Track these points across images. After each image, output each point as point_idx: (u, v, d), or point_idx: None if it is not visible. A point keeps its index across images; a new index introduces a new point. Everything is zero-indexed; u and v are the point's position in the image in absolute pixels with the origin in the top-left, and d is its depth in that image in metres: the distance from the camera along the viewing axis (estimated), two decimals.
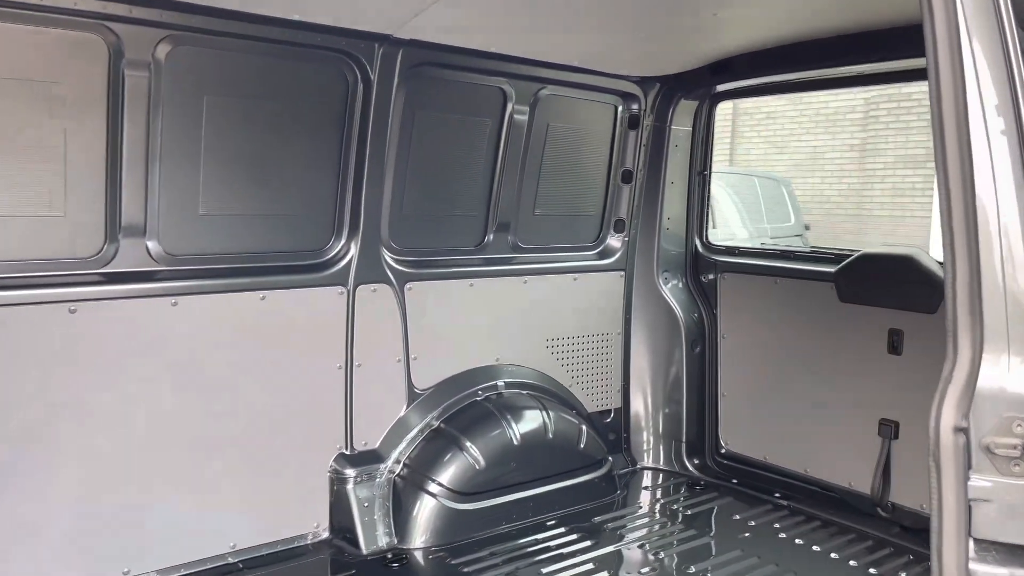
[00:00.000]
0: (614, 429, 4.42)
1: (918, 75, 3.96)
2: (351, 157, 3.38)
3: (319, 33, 3.11)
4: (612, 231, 4.35)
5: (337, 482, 3.49)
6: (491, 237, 3.94)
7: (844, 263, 3.83)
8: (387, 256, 3.58)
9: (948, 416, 1.41)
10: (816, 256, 4.08)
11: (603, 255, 4.36)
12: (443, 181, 3.74)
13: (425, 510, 3.52)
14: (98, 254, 2.92)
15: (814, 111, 16.46)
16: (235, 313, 3.19)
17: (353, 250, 3.46)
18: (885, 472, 3.69)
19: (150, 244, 3.02)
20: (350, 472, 3.48)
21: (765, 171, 14.73)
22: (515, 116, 3.81)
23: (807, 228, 14.32)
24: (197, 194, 3.08)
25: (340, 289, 3.44)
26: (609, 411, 4.40)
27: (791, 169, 16.30)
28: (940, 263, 3.63)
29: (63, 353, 2.83)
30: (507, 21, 3.22)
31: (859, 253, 3.84)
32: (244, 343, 3.22)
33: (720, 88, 4.17)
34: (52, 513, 2.85)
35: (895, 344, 3.66)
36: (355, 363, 3.50)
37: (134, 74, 2.82)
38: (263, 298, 3.24)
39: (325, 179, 3.38)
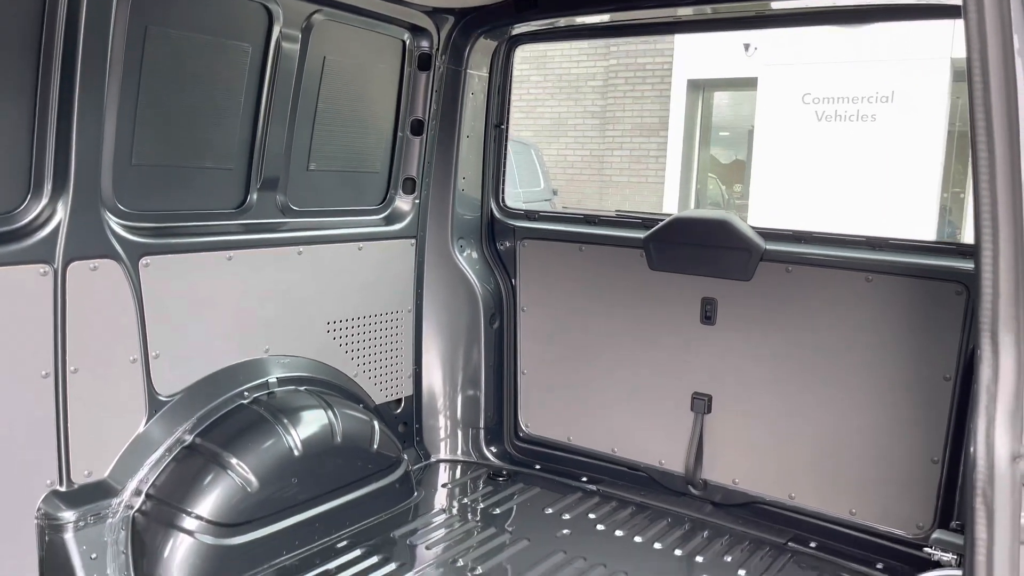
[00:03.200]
0: (405, 420, 3.84)
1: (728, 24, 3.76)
2: (52, 81, 2.41)
3: None
4: (401, 192, 3.71)
5: (49, 530, 2.55)
6: (254, 197, 3.12)
7: (655, 228, 3.55)
8: (111, 221, 2.65)
9: (1003, 442, 1.03)
10: (624, 221, 3.76)
11: (391, 220, 3.70)
12: (189, 123, 2.85)
13: (179, 551, 2.70)
14: None
15: (557, 77, 16.79)
16: None
17: (60, 213, 2.50)
18: (698, 448, 3.50)
19: None
20: (68, 515, 2.56)
21: (515, 136, 14.75)
22: (283, 44, 3.01)
23: (555, 193, 14.62)
24: None
25: (42, 268, 2.47)
26: (399, 400, 3.80)
27: (537, 135, 16.54)
28: (755, 228, 3.50)
29: None
30: None
31: (671, 217, 3.57)
32: None
33: (521, 29, 3.67)
34: None
35: (708, 314, 3.45)
36: (68, 368, 2.56)
37: None
38: None
39: (15, 113, 2.38)
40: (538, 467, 3.88)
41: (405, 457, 3.53)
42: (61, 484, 2.59)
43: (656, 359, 3.59)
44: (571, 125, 16.68)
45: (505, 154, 3.97)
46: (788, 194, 13.08)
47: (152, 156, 2.77)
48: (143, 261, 2.73)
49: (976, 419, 1.01)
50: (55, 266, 2.50)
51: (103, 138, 2.56)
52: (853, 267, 3.12)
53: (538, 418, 3.97)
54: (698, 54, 14.76)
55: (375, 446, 3.31)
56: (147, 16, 2.60)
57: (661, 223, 3.55)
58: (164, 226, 2.84)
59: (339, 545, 3.07)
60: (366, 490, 3.26)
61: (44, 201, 2.48)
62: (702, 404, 3.48)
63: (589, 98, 16.38)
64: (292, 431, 3.01)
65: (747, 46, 14.09)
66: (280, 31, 2.98)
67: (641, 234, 3.58)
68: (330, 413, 3.16)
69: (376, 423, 3.35)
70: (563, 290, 3.83)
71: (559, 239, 3.83)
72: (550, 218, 3.98)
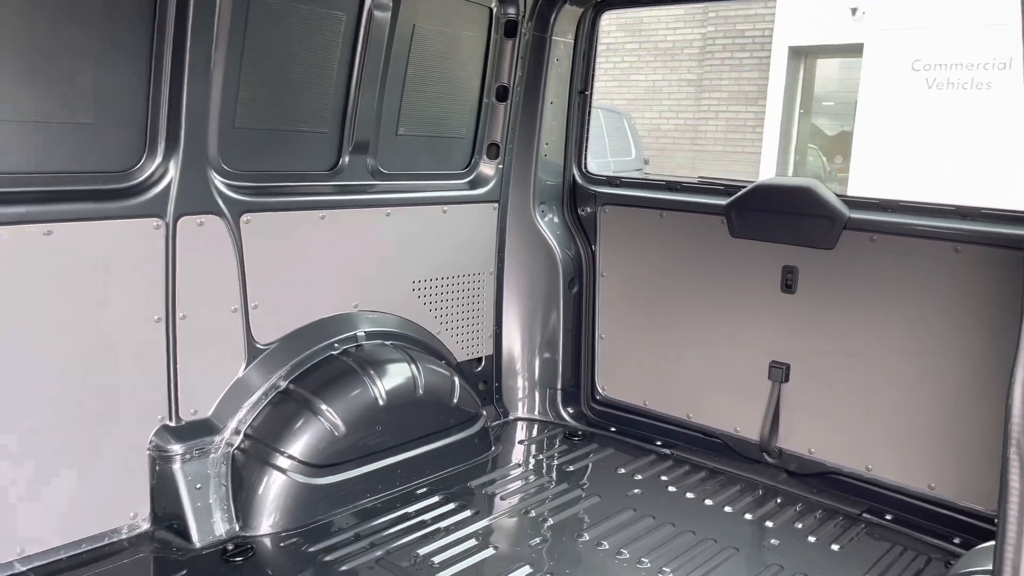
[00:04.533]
0: (485, 378, 3.98)
1: None
2: (165, 48, 2.61)
3: None
4: (485, 157, 3.82)
5: (160, 461, 2.81)
6: (347, 160, 3.29)
7: (737, 195, 3.54)
8: (216, 180, 2.86)
9: None
10: (705, 187, 3.76)
11: (475, 184, 3.82)
12: (288, 88, 3.03)
13: (273, 488, 2.93)
14: None
15: (652, 44, 16.50)
16: (11, 253, 2.39)
17: (172, 171, 2.72)
18: (774, 417, 3.51)
19: None
20: (176, 448, 2.81)
21: (608, 104, 14.62)
22: (375, 12, 3.14)
23: (646, 162, 14.46)
24: None
25: (156, 221, 2.70)
26: (480, 359, 3.94)
27: (630, 103, 16.33)
28: (840, 196, 3.45)
29: None
30: None
31: (754, 184, 3.55)
32: (26, 292, 2.44)
33: None
34: None
35: (789, 282, 3.43)
36: (178, 314, 2.80)
37: None
38: (49, 232, 2.46)
39: (132, 77, 2.60)
40: (613, 429, 3.96)
41: (484, 413, 3.67)
42: (171, 420, 2.85)
43: (734, 326, 3.60)
44: (666, 93, 16.39)
45: (588, 120, 4.02)
46: (892, 167, 12.53)
47: (253, 119, 2.96)
48: (244, 218, 2.94)
49: (1016, 370, 1.03)
50: (167, 220, 2.72)
51: (210, 102, 2.76)
52: (940, 236, 3.04)
53: (615, 382, 4.04)
54: (801, 20, 14.21)
55: (455, 400, 3.46)
56: None
57: (743, 190, 3.54)
58: (263, 185, 3.04)
59: (419, 491, 3.25)
60: (445, 442, 3.43)
61: (158, 160, 2.71)
62: (780, 372, 3.48)
63: (685, 65, 16.04)
64: (378, 382, 3.19)
65: (854, 10, 13.49)
66: (371, 0, 3.11)
67: (723, 201, 3.58)
68: (413, 367, 3.33)
69: (456, 379, 3.50)
70: (643, 256, 3.87)
71: (640, 205, 3.86)
72: (632, 184, 4.01)
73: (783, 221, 3.42)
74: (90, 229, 2.55)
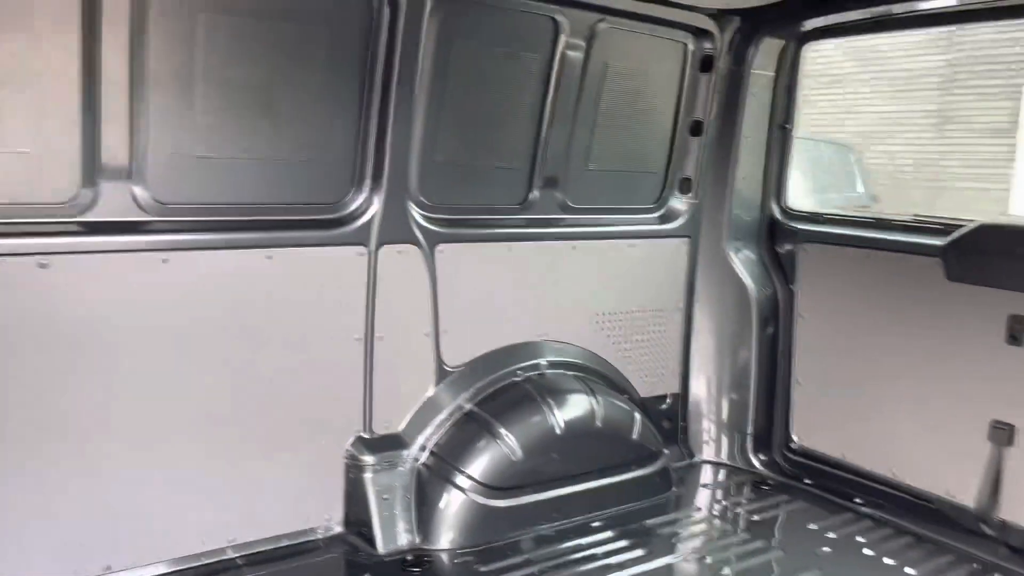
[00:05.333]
0: (670, 417, 3.90)
1: None
2: (374, 94, 2.88)
3: None
4: (676, 191, 3.79)
5: (353, 469, 3.05)
6: (536, 194, 3.42)
7: (956, 235, 3.21)
8: (415, 212, 3.09)
9: None
10: (919, 226, 3.46)
11: (665, 219, 3.80)
12: (482, 126, 3.21)
13: (452, 505, 3.07)
14: (74, 199, 2.48)
15: (888, 73, 15.41)
16: (237, 274, 2.74)
17: (376, 204, 2.98)
18: (995, 483, 3.12)
19: (136, 190, 2.57)
20: (368, 459, 3.04)
21: (831, 138, 13.83)
22: (568, 52, 3.25)
23: (875, 199, 13.46)
24: (193, 132, 2.62)
25: (360, 249, 2.97)
26: (665, 396, 3.88)
27: (858, 136, 15.33)
28: None
29: (31, 316, 2.41)
30: None
31: (976, 224, 3.21)
32: (247, 309, 2.78)
33: (812, 25, 3.54)
34: (23, 498, 2.45)
35: (1015, 334, 3.05)
36: (376, 335, 3.04)
37: None
38: (270, 257, 2.79)
39: (344, 119, 2.89)
40: (807, 482, 3.71)
41: (666, 452, 3.60)
42: (365, 432, 3.08)
43: (949, 379, 3.26)
44: (900, 126, 15.20)
45: (789, 154, 3.85)
46: None
47: (450, 156, 3.17)
48: (438, 247, 3.14)
49: None
50: (370, 248, 2.98)
51: (412, 140, 3.00)
52: None
53: (811, 431, 3.79)
54: None
55: (634, 436, 3.43)
56: (451, 32, 2.98)
57: (964, 229, 3.21)
58: (457, 217, 3.23)
59: (594, 524, 3.24)
60: (623, 477, 3.40)
61: (364, 194, 2.98)
62: (1003, 434, 3.09)
63: (924, 95, 14.79)
64: (556, 411, 3.25)
65: None
66: (566, 41, 3.23)
67: (939, 241, 3.27)
68: (593, 399, 3.35)
69: (637, 414, 3.47)
70: (847, 298, 3.62)
71: (845, 244, 3.62)
72: (836, 221, 3.78)
73: (1011, 265, 3.06)
74: (304, 255, 2.86)
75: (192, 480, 2.74)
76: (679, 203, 3.79)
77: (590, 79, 3.36)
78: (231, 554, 2.84)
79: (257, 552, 2.89)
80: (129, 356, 2.58)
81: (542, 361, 3.44)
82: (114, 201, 2.53)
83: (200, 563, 2.78)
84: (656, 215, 3.78)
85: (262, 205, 2.80)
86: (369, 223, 2.97)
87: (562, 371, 3.48)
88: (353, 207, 2.97)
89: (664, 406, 3.88)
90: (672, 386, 3.89)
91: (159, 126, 2.55)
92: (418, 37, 2.86)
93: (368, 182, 2.97)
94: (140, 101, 2.49)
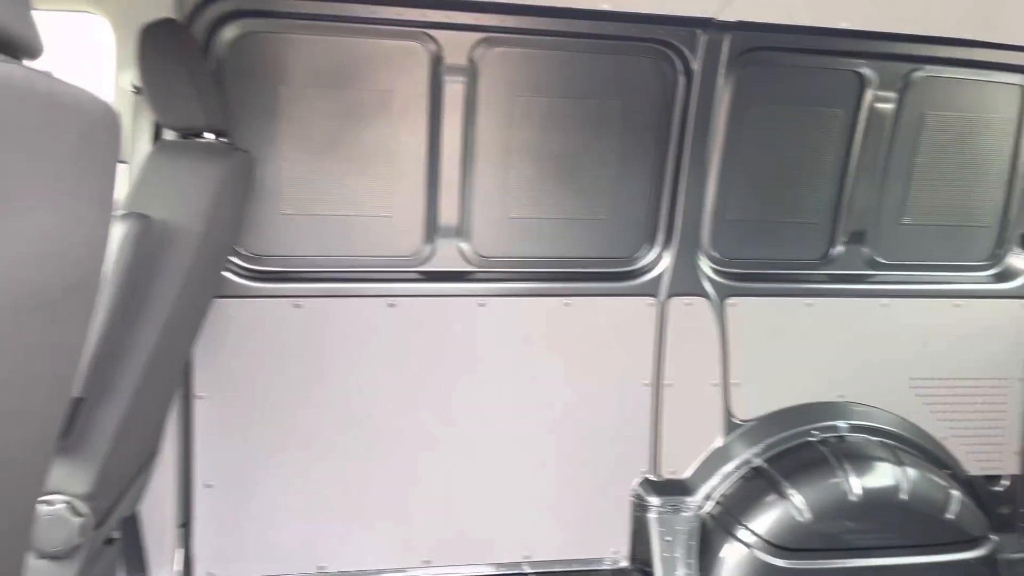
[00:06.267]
0: (1007, 501, 3.43)
1: None
2: (668, 157, 3.11)
3: (633, 23, 2.90)
4: (1015, 247, 3.38)
5: (639, 508, 3.23)
6: (840, 249, 3.32)
7: None
8: (705, 266, 3.22)
9: None
10: None
11: (1001, 277, 3.41)
12: (778, 183, 3.24)
13: (734, 558, 3.07)
14: (417, 253, 3.08)
15: None
16: (540, 319, 3.13)
17: (667, 259, 3.18)
18: None
19: (463, 245, 3.10)
20: (653, 500, 3.19)
21: None
22: (876, 105, 3.16)
23: None
24: (508, 196, 3.08)
25: (650, 300, 3.18)
26: (999, 477, 3.42)
27: None
28: None
29: (381, 345, 3.02)
30: None
31: None
32: (548, 350, 3.14)
33: None
34: (372, 492, 3.06)
35: None
36: (664, 382, 3.21)
37: (452, 78, 2.91)
38: (568, 304, 3.13)
39: (639, 182, 3.15)
40: None
41: (994, 538, 3.18)
42: (652, 474, 3.25)
43: None
44: None
45: None
46: None
47: (743, 212, 3.25)
48: (729, 301, 3.23)
49: None
50: (659, 299, 3.18)
51: (705, 198, 3.16)
52: None
53: None
54: None
55: (950, 515, 3.10)
56: (746, 94, 3.10)
57: None
58: (750, 271, 3.28)
59: None
60: (935, 559, 3.08)
61: (656, 250, 3.20)
62: None
63: None
64: (854, 477, 3.08)
65: None
66: (873, 94, 3.14)
67: None
68: (899, 469, 3.11)
69: (957, 492, 3.13)
70: None
71: None
72: None
73: None
74: (598, 303, 3.15)
75: (498, 496, 3.15)
76: (1018, 260, 3.38)
77: (903, 130, 3.21)
78: (527, 569, 3.19)
79: (549, 572, 3.20)
80: (453, 384, 3.09)
81: (841, 423, 3.29)
82: (446, 255, 3.07)
83: (500, 572, 3.16)
84: (988, 273, 3.41)
85: (563, 258, 3.16)
86: (659, 276, 3.17)
87: (866, 436, 3.29)
88: (645, 261, 3.20)
89: (998, 488, 3.42)
90: (1010, 466, 3.42)
91: (482, 192, 3.05)
92: (712, 102, 3.03)
93: (660, 238, 3.18)
94: (469, 172, 3.02)
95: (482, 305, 3.08)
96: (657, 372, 3.21)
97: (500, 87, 2.97)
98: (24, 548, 1.43)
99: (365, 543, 3.07)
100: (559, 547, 3.21)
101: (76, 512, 1.92)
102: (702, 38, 2.95)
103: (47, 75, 1.07)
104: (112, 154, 1.28)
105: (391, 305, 3.01)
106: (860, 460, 3.15)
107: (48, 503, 1.90)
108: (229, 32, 2.74)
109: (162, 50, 2.14)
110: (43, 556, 1.92)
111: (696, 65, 2.98)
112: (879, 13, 2.83)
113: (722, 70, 3.00)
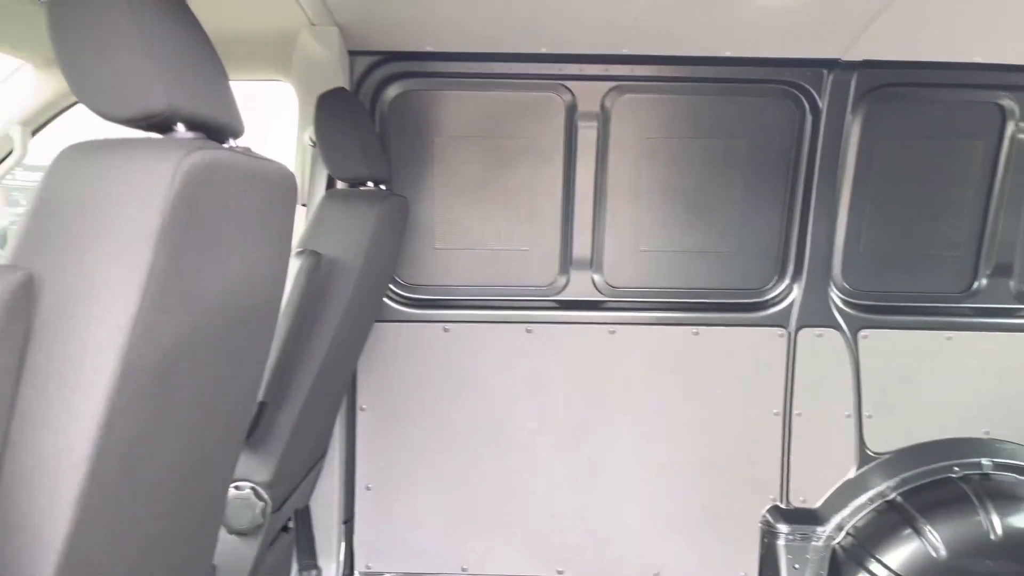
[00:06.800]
0: None
1: None
2: (797, 193, 3.20)
3: (759, 67, 3.05)
4: None
5: (768, 535, 3.29)
6: (983, 283, 3.25)
7: None
8: (836, 298, 3.26)
9: None
10: None
11: None
12: (913, 215, 3.24)
13: None
14: (552, 284, 3.35)
15: None
16: (669, 347, 3.29)
17: (796, 291, 3.25)
18: None
19: (595, 276, 3.33)
20: (782, 528, 3.25)
21: None
22: (1020, 136, 3.09)
23: None
24: (638, 230, 3.29)
25: (780, 331, 3.27)
26: None
27: None
28: None
29: (519, 367, 3.31)
30: (990, 23, 2.67)
31: None
32: (677, 377, 3.30)
33: None
34: (511, 502, 3.34)
35: None
36: (794, 411, 3.27)
37: (585, 124, 3.18)
38: (696, 333, 3.28)
39: (768, 217, 3.26)
40: None
41: None
42: (781, 501, 3.31)
43: None
44: None
45: None
46: None
47: (877, 244, 3.26)
48: (862, 333, 3.25)
49: None
50: (789, 330, 3.26)
51: (836, 232, 3.21)
52: None
53: None
54: None
55: None
56: (875, 130, 3.14)
57: None
58: (884, 304, 3.28)
59: None
60: None
61: (785, 282, 3.28)
62: None
63: None
64: (997, 516, 3.00)
65: None
66: (1016, 125, 3.08)
67: None
68: None
69: None
70: None
71: None
72: None
73: None
74: (727, 333, 3.28)
75: (629, 515, 3.33)
76: None
77: None
78: None
79: None
80: (585, 404, 3.32)
81: (985, 461, 3.20)
82: (579, 285, 3.32)
83: None
84: None
85: (691, 289, 3.32)
86: (789, 308, 3.25)
87: (1013, 475, 3.18)
88: (774, 294, 3.29)
89: None
90: None
91: (613, 227, 3.28)
92: (840, 139, 3.10)
93: (790, 270, 3.27)
94: (601, 208, 3.27)
95: (612, 332, 3.30)
96: (787, 401, 3.28)
97: (630, 130, 3.20)
98: (217, 524, 1.82)
99: (504, 550, 3.35)
100: (688, 568, 3.33)
101: (259, 496, 2.33)
102: (828, 78, 3.04)
103: (245, 152, 1.45)
104: (290, 207, 1.65)
105: (528, 331, 3.29)
106: (1004, 499, 3.06)
107: (237, 488, 2.32)
108: (391, 92, 3.17)
109: (334, 114, 2.56)
110: (232, 532, 2.34)
111: (823, 103, 3.07)
112: (1014, 47, 2.81)
113: (850, 107, 3.07)
